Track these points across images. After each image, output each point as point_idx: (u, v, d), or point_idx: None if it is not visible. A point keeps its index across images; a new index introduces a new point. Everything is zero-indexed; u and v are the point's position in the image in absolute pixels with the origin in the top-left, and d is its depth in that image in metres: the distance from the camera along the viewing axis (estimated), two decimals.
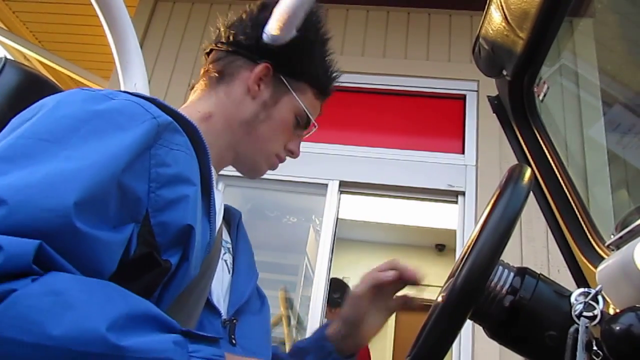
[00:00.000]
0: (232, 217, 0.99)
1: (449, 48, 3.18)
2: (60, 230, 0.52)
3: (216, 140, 0.87)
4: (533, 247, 2.57)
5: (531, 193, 0.59)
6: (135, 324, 0.51)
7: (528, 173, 0.60)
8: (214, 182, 0.76)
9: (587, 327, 0.56)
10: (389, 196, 3.01)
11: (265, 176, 0.97)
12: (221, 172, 0.95)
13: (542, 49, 0.94)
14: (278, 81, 0.91)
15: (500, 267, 0.63)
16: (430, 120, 3.11)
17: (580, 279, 0.95)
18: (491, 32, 0.97)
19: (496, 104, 1.12)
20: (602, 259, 0.85)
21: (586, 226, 0.95)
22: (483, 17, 0.98)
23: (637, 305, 0.54)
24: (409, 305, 0.94)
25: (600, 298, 0.58)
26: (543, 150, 1.04)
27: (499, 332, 0.64)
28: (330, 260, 2.76)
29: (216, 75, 0.91)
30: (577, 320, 0.57)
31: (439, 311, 0.55)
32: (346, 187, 2.94)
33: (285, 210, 3.45)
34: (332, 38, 0.96)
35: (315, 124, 0.96)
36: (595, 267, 0.84)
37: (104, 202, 0.57)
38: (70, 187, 0.54)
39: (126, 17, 1.31)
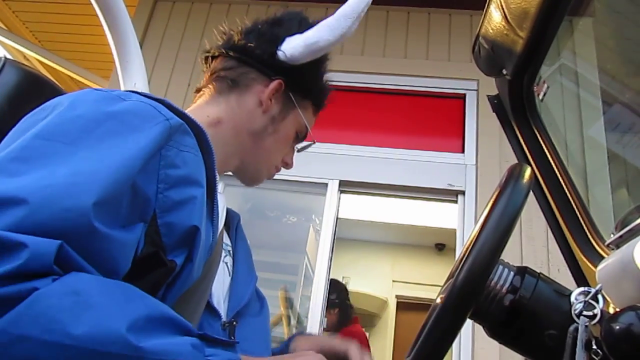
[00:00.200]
0: (231, 220, 0.99)
1: (449, 47, 3.18)
2: (79, 230, 0.53)
3: (223, 146, 0.88)
4: (533, 247, 2.57)
5: (531, 192, 0.59)
6: (154, 325, 0.52)
7: (528, 172, 0.60)
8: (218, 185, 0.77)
9: (586, 326, 0.57)
10: (389, 195, 3.01)
11: None
12: None
13: (542, 48, 0.94)
14: (287, 98, 0.93)
15: (500, 267, 0.63)
16: (430, 119, 3.11)
17: (580, 278, 0.95)
18: (491, 31, 0.97)
19: (496, 104, 1.12)
20: (602, 258, 0.85)
21: (586, 225, 0.95)
22: (483, 16, 0.99)
23: (637, 305, 0.54)
24: None
25: (600, 297, 0.58)
26: (543, 150, 1.04)
27: (499, 331, 0.64)
28: (330, 260, 2.76)
29: (229, 83, 0.91)
30: (577, 319, 0.57)
31: (438, 311, 0.55)
32: (346, 186, 2.94)
33: (285, 209, 3.45)
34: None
35: (314, 140, 1.00)
36: (595, 266, 0.84)
37: (119, 203, 0.58)
38: (89, 188, 0.55)
39: (126, 17, 1.31)
